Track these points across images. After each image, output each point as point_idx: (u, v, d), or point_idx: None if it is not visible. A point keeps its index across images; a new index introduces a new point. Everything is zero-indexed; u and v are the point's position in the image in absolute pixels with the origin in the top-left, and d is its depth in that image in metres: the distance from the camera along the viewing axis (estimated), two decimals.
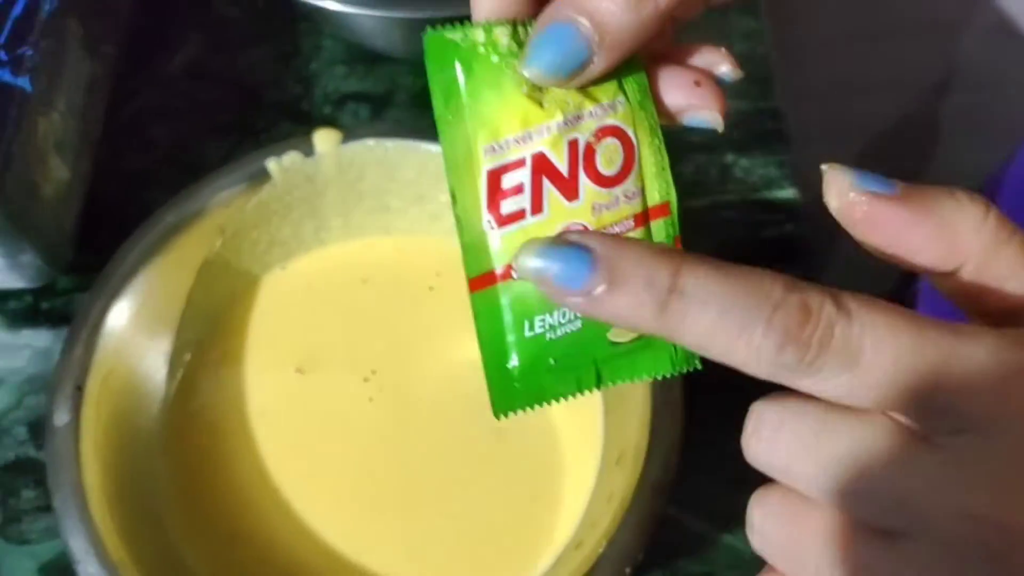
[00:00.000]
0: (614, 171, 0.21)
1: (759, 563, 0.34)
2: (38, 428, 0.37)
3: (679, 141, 0.42)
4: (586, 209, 0.21)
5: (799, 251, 0.40)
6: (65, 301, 0.40)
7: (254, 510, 0.33)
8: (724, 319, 0.17)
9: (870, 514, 0.18)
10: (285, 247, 0.37)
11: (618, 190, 0.21)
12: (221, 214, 0.34)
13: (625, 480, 0.30)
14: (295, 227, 0.36)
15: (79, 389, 0.31)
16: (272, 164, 0.34)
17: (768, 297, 0.17)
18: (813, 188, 0.45)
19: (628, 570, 0.28)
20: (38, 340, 0.39)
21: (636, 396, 0.31)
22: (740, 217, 0.41)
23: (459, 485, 0.33)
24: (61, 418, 0.30)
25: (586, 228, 0.21)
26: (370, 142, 0.35)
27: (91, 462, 0.30)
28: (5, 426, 0.37)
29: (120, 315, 0.32)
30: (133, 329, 0.33)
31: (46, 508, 0.36)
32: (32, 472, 0.36)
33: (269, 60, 0.45)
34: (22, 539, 0.35)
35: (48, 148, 0.36)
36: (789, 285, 0.17)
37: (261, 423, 0.34)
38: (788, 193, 0.41)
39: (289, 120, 0.44)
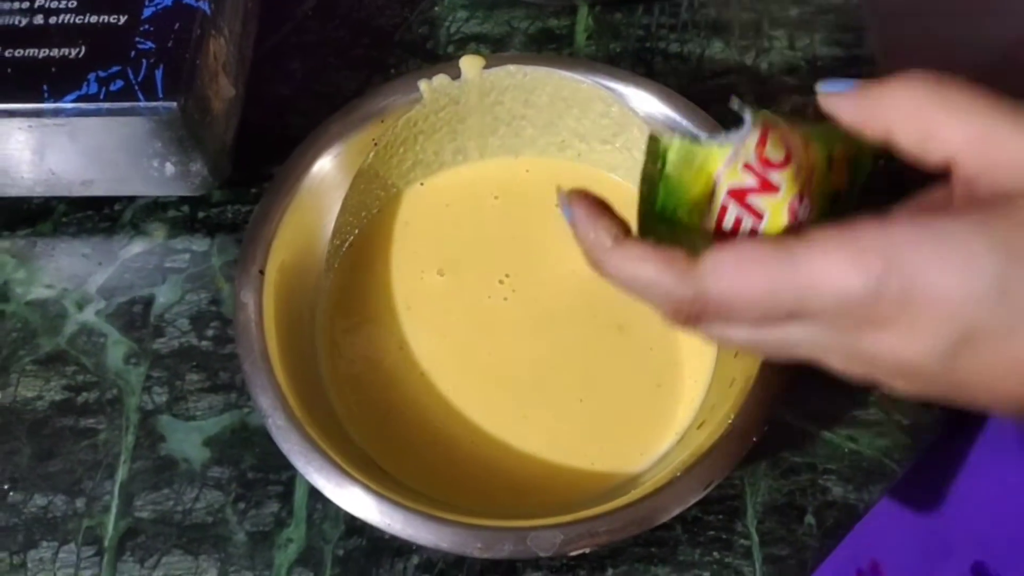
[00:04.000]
0: (781, 156, 0.25)
1: (854, 457, 0.38)
2: (198, 320, 0.41)
3: (778, 84, 0.45)
4: (790, 188, 0.25)
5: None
6: (219, 211, 0.44)
7: (404, 390, 0.37)
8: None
9: None
10: (427, 166, 0.41)
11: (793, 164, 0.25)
12: (376, 128, 0.38)
13: (745, 367, 0.34)
14: (437, 147, 0.40)
15: (261, 273, 0.35)
16: (423, 84, 0.38)
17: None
18: None
19: (754, 439, 0.31)
20: (196, 245, 0.43)
21: None
22: None
23: (587, 373, 0.37)
24: (247, 296, 0.34)
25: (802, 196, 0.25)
26: (511, 67, 0.38)
27: (271, 333, 0.34)
28: (169, 318, 0.41)
29: (294, 211, 0.36)
30: (302, 224, 0.37)
31: (209, 389, 0.40)
32: (194, 358, 0.40)
33: (396, 4, 0.49)
34: (188, 416, 0.39)
35: (218, 67, 0.40)
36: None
37: (408, 316, 0.38)
38: None
39: (416, 57, 0.47)
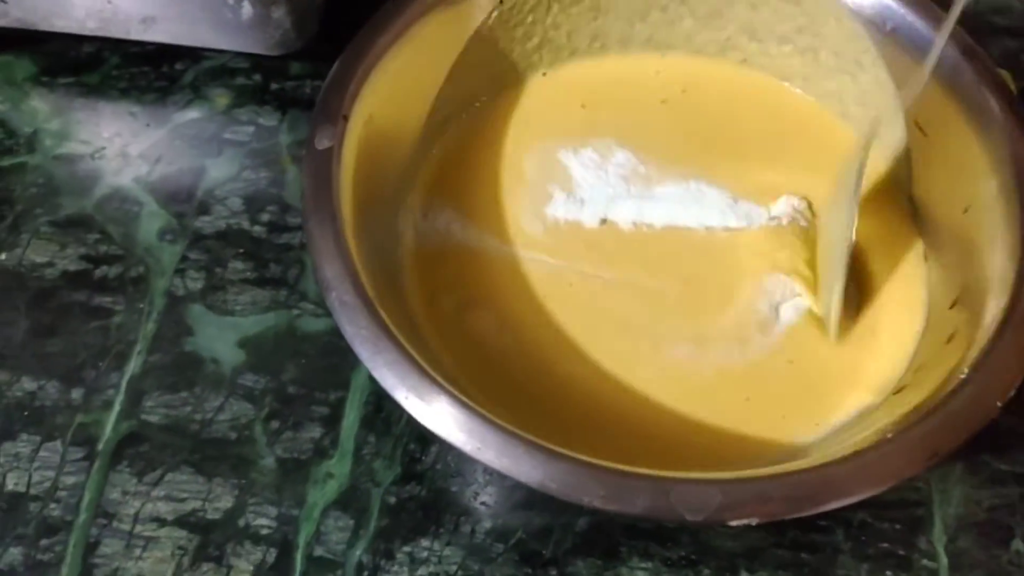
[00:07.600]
0: None
1: None
2: (254, 201, 0.33)
3: None
4: None
5: None
6: (296, 85, 0.36)
7: (510, 312, 0.28)
8: None
9: None
10: (556, 50, 0.33)
11: None
12: None
13: (970, 319, 0.25)
14: (573, 25, 0.32)
15: (345, 118, 0.27)
16: None
17: None
18: None
19: (999, 403, 0.22)
20: (264, 118, 0.36)
21: (993, 237, 0.26)
22: None
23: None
24: (322, 142, 0.26)
25: None
26: None
27: (347, 194, 0.26)
28: (220, 195, 0.34)
29: (393, 58, 0.29)
30: (400, 77, 0.29)
31: (255, 281, 0.32)
32: (243, 243, 0.33)
33: None
34: (225, 309, 0.31)
35: None
36: None
37: (519, 231, 0.30)
38: None
39: None
